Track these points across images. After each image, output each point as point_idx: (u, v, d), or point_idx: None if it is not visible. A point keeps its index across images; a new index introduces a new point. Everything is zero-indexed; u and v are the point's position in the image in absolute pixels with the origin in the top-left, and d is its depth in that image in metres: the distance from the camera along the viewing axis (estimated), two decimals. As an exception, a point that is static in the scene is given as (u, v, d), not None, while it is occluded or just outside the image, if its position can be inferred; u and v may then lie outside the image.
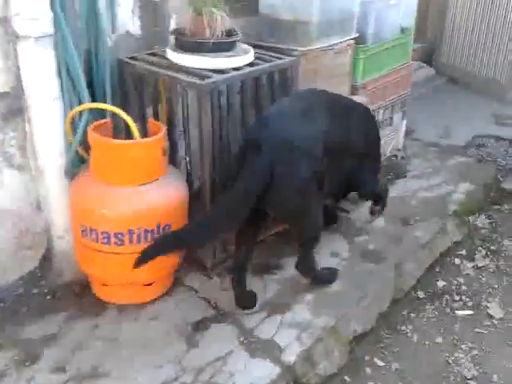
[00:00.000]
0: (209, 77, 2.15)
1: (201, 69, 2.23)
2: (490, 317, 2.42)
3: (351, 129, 2.42)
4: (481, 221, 3.11)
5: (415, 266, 2.63)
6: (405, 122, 3.84)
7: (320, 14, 2.71)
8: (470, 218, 3.10)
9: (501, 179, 3.48)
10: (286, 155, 2.00)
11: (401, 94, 3.66)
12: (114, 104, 2.40)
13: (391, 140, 3.70)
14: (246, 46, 2.43)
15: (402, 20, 3.55)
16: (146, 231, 2.06)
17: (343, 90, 3.00)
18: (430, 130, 4.19)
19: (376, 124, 2.77)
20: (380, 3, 3.22)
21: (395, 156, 3.75)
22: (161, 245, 1.97)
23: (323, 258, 2.55)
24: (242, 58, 2.29)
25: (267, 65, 2.36)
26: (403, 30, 3.56)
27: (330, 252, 2.66)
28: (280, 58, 2.47)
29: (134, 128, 2.04)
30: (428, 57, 5.77)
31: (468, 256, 2.82)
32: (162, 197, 2.09)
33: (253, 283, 2.40)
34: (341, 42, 2.87)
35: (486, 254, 2.84)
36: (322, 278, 2.43)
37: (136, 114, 2.41)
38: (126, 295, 2.26)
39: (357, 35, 2.98)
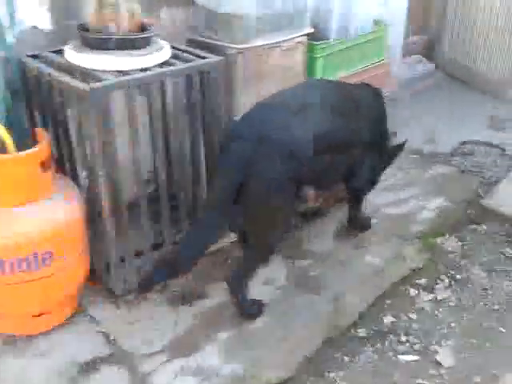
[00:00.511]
0: (101, 80, 1.84)
1: (101, 70, 1.93)
2: (438, 365, 2.07)
3: (356, 123, 2.23)
4: (450, 243, 2.73)
5: (360, 297, 2.29)
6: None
7: (261, 5, 2.36)
8: (438, 240, 2.72)
9: (481, 194, 3.09)
10: (263, 153, 1.86)
11: (375, 96, 3.29)
12: (17, 109, 2.15)
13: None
14: (162, 43, 2.11)
15: (376, 12, 3.18)
16: (20, 260, 1.77)
17: (295, 93, 2.66)
18: (416, 133, 3.79)
19: (385, 110, 2.52)
20: (345, -6, 2.86)
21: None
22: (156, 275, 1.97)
23: (255, 286, 2.24)
24: (150, 57, 1.98)
25: (182, 66, 2.04)
26: (377, 24, 3.19)
27: (265, 278, 2.34)
28: (204, 58, 2.15)
29: (8, 139, 1.76)
30: (429, 50, 5.35)
31: (427, 286, 2.45)
32: (39, 221, 1.80)
33: (165, 316, 2.11)
34: (289, 39, 2.52)
35: (450, 284, 2.47)
36: (245, 310, 2.13)
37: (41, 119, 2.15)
38: (13, 325, 2.00)
39: (311, 31, 2.63)
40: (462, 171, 3.33)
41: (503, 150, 3.62)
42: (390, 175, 3.21)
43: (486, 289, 2.45)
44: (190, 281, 2.29)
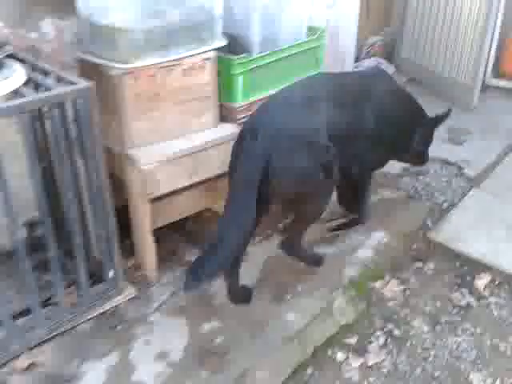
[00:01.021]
0: None
1: None
2: None
3: (363, 111, 2.20)
4: (391, 288, 2.36)
5: (274, 370, 1.90)
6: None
7: (152, 16, 1.95)
8: (376, 285, 2.36)
9: (429, 225, 2.73)
10: (284, 144, 1.91)
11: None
12: None
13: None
14: (15, 68, 1.69)
15: (311, 18, 2.79)
16: None
17: (206, 120, 2.26)
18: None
19: (403, 95, 2.50)
20: (269, -2, 2.46)
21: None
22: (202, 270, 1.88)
23: (144, 362, 1.86)
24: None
25: (22, 100, 1.60)
26: (313, 31, 2.80)
27: (160, 349, 1.93)
28: (73, 83, 1.73)
29: None
30: (390, 52, 4.99)
31: (358, 347, 2.08)
32: None
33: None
34: (193, 55, 2.11)
35: (385, 342, 2.11)
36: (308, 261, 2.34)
37: None
38: None
39: (222, 44, 2.22)
40: (410, 196, 2.96)
41: (460, 168, 3.27)
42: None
43: (427, 348, 2.10)
44: (61, 357, 1.89)
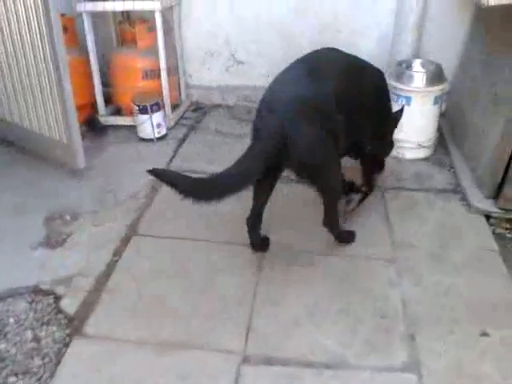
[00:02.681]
0: None
1: None
2: None
3: (362, 88, 2.30)
4: None
5: None
6: None
7: None
8: None
9: None
10: (297, 113, 1.99)
11: None
12: None
13: None
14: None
15: None
16: None
17: None
18: None
19: (387, 85, 2.58)
20: None
21: None
22: (173, 179, 1.95)
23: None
24: None
25: None
26: None
27: None
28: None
29: None
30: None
31: None
32: None
33: None
34: None
35: None
36: (343, 237, 2.36)
37: None
38: None
39: None
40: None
41: (57, 298, 2.10)
42: None
43: None
44: None
